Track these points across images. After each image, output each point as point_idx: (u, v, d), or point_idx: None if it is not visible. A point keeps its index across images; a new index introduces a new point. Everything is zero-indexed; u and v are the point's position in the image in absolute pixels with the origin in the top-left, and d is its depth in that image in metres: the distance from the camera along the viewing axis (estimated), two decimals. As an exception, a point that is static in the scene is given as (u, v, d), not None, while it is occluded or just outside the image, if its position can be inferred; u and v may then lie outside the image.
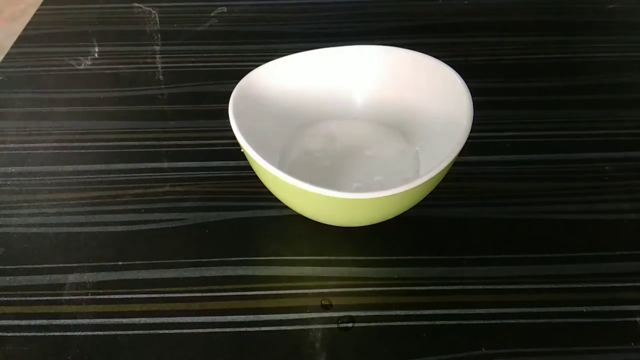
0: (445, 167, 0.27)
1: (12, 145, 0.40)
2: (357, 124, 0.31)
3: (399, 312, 0.30)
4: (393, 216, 0.31)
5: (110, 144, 0.40)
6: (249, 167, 0.31)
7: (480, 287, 0.31)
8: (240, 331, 0.29)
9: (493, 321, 0.29)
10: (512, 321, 0.29)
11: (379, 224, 0.32)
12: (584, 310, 0.30)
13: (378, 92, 0.33)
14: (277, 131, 0.31)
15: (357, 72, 0.35)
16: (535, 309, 0.30)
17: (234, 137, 0.29)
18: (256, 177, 0.31)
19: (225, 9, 0.54)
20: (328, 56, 0.35)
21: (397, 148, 0.30)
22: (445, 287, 0.31)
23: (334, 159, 0.30)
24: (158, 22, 0.53)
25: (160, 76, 0.46)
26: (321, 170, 0.30)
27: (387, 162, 0.30)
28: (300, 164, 0.30)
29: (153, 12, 0.54)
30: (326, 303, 0.30)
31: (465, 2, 0.54)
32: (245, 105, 0.32)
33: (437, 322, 0.29)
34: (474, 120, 0.29)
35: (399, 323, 0.29)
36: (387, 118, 0.31)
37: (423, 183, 0.27)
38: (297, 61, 0.35)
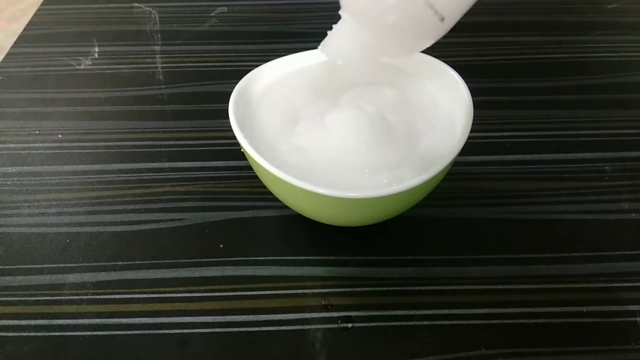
0: (445, 167, 0.27)
1: (12, 145, 0.40)
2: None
3: (398, 312, 0.30)
4: (393, 216, 0.31)
5: (110, 144, 0.40)
6: (249, 167, 0.31)
7: (480, 287, 0.31)
8: (240, 331, 0.29)
9: (493, 321, 0.29)
10: (512, 321, 0.29)
11: (379, 224, 0.32)
12: (584, 310, 0.30)
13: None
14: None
15: (357, 72, 0.35)
16: (535, 309, 0.30)
17: (234, 137, 0.29)
18: (256, 177, 0.31)
19: (225, 9, 0.54)
20: (328, 56, 0.35)
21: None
22: (445, 287, 0.31)
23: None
24: (158, 22, 0.53)
25: (160, 76, 0.46)
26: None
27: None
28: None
29: (153, 12, 0.54)
30: (326, 303, 0.30)
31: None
32: (245, 105, 0.32)
33: (437, 322, 0.29)
34: (474, 120, 0.29)
35: (399, 323, 0.29)
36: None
37: (423, 183, 0.27)
38: (297, 61, 0.35)
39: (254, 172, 0.31)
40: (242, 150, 0.29)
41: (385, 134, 0.31)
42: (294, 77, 0.35)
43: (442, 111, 0.32)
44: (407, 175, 0.28)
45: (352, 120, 0.31)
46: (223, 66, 0.47)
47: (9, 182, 0.37)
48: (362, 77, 0.35)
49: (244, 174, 0.37)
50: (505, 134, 0.40)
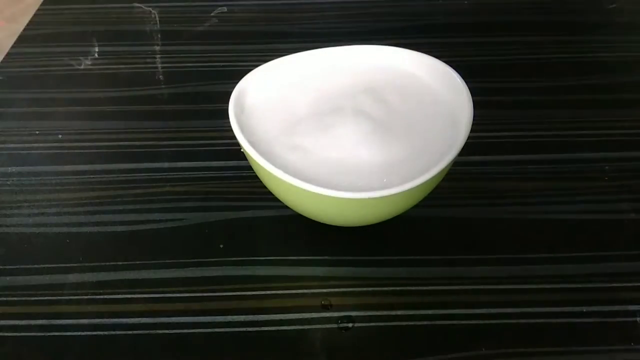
0: (445, 167, 0.27)
1: (12, 145, 0.40)
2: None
3: (398, 312, 0.30)
4: (393, 216, 0.31)
5: (110, 144, 0.40)
6: (249, 167, 0.31)
7: (480, 287, 0.31)
8: (240, 331, 0.29)
9: (493, 321, 0.29)
10: (512, 321, 0.29)
11: (379, 224, 0.32)
12: (584, 310, 0.30)
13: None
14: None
15: (357, 72, 0.35)
16: (535, 309, 0.30)
17: (234, 137, 0.29)
18: (256, 177, 0.31)
19: (225, 9, 0.54)
20: (328, 56, 0.35)
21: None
22: (445, 287, 0.31)
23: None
24: (158, 22, 0.53)
25: (160, 76, 0.46)
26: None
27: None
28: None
29: (153, 12, 0.54)
30: (326, 303, 0.30)
31: (465, 2, 0.54)
32: (245, 105, 0.32)
33: (437, 322, 0.29)
34: (474, 120, 0.29)
35: (399, 323, 0.29)
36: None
37: (423, 183, 0.27)
38: (297, 61, 0.35)
39: (254, 172, 0.31)
40: (242, 150, 0.29)
41: (385, 133, 0.31)
42: (294, 77, 0.35)
43: (443, 111, 0.32)
44: (407, 175, 0.28)
45: (352, 120, 0.31)
46: (223, 66, 0.47)
47: (9, 182, 0.37)
48: (362, 78, 0.35)
49: (244, 174, 0.37)
50: (505, 134, 0.40)
